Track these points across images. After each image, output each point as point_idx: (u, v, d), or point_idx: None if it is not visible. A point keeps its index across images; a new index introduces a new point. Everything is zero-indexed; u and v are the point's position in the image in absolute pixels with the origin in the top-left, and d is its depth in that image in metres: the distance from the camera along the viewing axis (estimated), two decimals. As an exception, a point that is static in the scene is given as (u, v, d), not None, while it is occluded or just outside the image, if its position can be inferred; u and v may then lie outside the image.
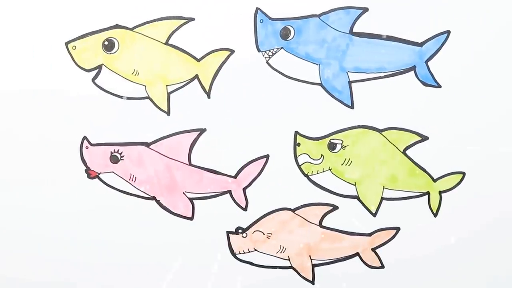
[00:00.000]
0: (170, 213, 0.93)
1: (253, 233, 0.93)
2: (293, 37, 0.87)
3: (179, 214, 0.93)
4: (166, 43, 0.88)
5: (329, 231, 0.93)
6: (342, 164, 0.91)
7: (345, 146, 0.91)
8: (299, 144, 0.91)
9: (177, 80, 0.89)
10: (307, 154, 0.91)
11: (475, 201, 0.93)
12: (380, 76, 0.89)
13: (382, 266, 0.95)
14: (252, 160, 0.92)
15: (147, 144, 0.91)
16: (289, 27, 0.87)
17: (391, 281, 0.94)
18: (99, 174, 0.92)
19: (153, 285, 0.95)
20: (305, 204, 0.93)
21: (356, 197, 0.93)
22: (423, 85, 0.89)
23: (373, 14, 0.87)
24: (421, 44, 0.88)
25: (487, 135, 0.91)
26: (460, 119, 0.90)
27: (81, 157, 0.91)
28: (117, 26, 0.88)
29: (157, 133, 0.91)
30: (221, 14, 0.87)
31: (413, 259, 0.94)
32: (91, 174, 0.91)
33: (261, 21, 0.87)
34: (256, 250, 0.94)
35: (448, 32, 0.88)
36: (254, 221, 0.93)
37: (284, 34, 0.87)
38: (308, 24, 0.87)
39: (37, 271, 0.95)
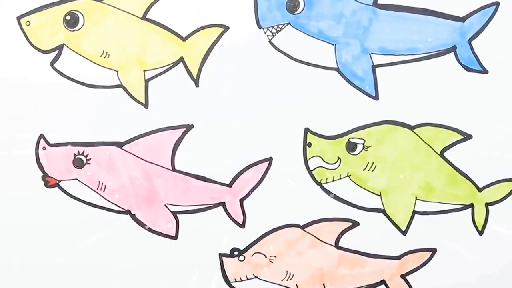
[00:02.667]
0: (149, 231, 0.90)
1: (252, 255, 0.90)
2: (302, 10, 0.85)
3: (159, 232, 0.90)
4: (144, 18, 0.86)
5: (347, 253, 0.91)
6: (364, 169, 0.89)
7: (368, 147, 0.88)
8: (310, 144, 0.88)
9: (157, 64, 0.87)
10: (320, 157, 0.88)
11: None
12: (411, 59, 0.86)
13: None
14: (251, 164, 0.88)
15: (119, 144, 0.88)
16: None
17: (423, 314, 0.96)
18: (60, 181, 0.88)
19: (128, 319, 0.95)
20: (317, 220, 0.90)
21: (382, 211, 0.90)
22: (466, 70, 0.86)
23: (403, -19, 0.87)
24: (463, 19, 0.85)
25: (544, 132, 0.90)
26: (511, 112, 0.88)
27: (36, 160, 0.88)
28: None
29: (132, 130, 0.88)
30: (213, -18, 0.87)
31: None
32: (49, 181, 0.88)
33: None
34: (256, 277, 0.91)
35: (497, 3, 0.85)
36: (254, 241, 0.90)
37: (292, 6, 0.85)
38: None
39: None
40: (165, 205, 0.89)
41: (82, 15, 0.85)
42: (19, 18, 0.84)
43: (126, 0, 0.85)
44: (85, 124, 0.87)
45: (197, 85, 0.86)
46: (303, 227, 0.90)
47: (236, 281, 0.91)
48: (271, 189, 0.88)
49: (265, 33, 0.85)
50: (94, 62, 0.86)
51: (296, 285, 0.91)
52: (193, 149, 0.88)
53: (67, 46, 0.85)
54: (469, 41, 0.85)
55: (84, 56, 0.86)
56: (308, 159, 0.88)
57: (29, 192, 0.88)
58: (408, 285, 0.91)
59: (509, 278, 0.92)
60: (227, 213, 0.89)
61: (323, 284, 0.91)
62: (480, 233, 0.90)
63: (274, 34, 0.85)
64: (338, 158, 0.88)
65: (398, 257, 0.90)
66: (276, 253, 0.90)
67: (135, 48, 0.86)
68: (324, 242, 0.90)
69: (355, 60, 0.86)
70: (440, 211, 0.89)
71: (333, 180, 0.88)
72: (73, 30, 0.85)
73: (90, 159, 0.88)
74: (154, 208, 0.89)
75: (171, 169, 0.88)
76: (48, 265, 0.91)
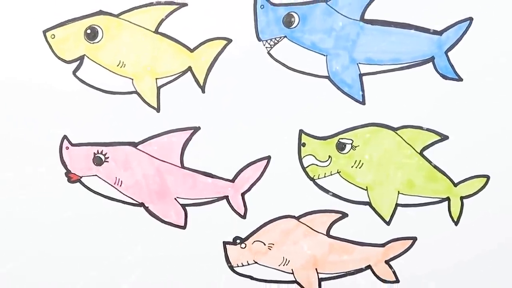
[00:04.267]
0: (160, 221, 0.91)
1: (252, 243, 0.91)
2: (297, 24, 0.86)
3: (170, 223, 0.91)
4: (156, 32, 0.87)
5: (337, 241, 0.92)
6: (352, 167, 0.89)
7: (356, 147, 0.89)
8: (304, 144, 0.89)
9: (167, 73, 0.88)
10: (313, 156, 0.89)
11: (501, 208, 0.91)
12: (394, 68, 0.87)
13: (397, 281, 0.93)
14: (252, 162, 0.90)
15: (134, 144, 0.89)
16: (293, 13, 0.85)
17: (406, 296, 0.94)
18: (81, 177, 0.89)
19: (141, 301, 0.94)
20: (311, 211, 0.91)
21: (368, 204, 0.91)
22: (443, 78, 0.87)
23: (387, -2, 0.86)
24: (440, 33, 0.86)
25: (513, 134, 0.89)
26: (484, 116, 0.88)
27: (60, 158, 0.89)
28: (101, 13, 0.86)
29: (146, 132, 0.89)
30: (217, -1, 0.87)
31: (431, 273, 0.92)
32: (72, 177, 0.89)
33: (262, 6, 0.85)
34: (256, 262, 0.92)
35: (471, 19, 0.86)
36: (254, 230, 0.91)
37: (288, 21, 0.86)
38: (315, 10, 0.85)
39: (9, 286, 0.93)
40: (175, 199, 0.90)
41: (101, 29, 0.85)
42: (44, 32, 0.85)
43: (140, 16, 0.86)
44: (103, 126, 0.88)
45: (203, 91, 0.87)
46: (297, 218, 0.90)
47: (238, 266, 0.91)
48: (270, 184, 0.89)
49: (264, 45, 0.86)
50: (111, 71, 0.87)
51: (292, 269, 0.92)
52: (200, 149, 0.88)
53: (88, 57, 0.86)
54: (446, 53, 0.86)
55: (102, 66, 0.86)
56: (302, 157, 0.89)
57: (54, 187, 0.89)
58: (392, 270, 0.92)
59: (482, 264, 0.91)
60: (230, 206, 0.90)
61: (316, 269, 0.92)
62: (456, 223, 0.90)
63: (272, 46, 0.86)
64: (329, 156, 0.89)
65: (383, 245, 0.91)
66: (273, 241, 0.91)
67: (148, 58, 0.86)
68: (317, 231, 0.91)
69: (344, 69, 0.86)
70: (420, 204, 0.90)
71: (325, 176, 0.89)
72: (93, 43, 0.86)
73: (108, 157, 0.88)
74: (165, 201, 0.90)
75: (180, 166, 0.89)
76: (68, 252, 0.91)
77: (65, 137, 0.89)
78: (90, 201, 0.90)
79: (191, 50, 0.87)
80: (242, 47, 0.86)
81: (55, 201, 0.90)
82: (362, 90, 0.87)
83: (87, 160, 0.89)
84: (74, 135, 0.89)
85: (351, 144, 0.89)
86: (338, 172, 0.90)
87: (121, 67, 0.87)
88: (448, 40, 0.86)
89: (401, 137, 0.89)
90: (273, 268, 0.92)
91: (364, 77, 0.87)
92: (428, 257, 0.92)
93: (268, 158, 0.89)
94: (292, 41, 0.86)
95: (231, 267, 0.92)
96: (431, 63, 0.87)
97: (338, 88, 0.87)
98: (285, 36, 0.86)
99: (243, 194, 0.90)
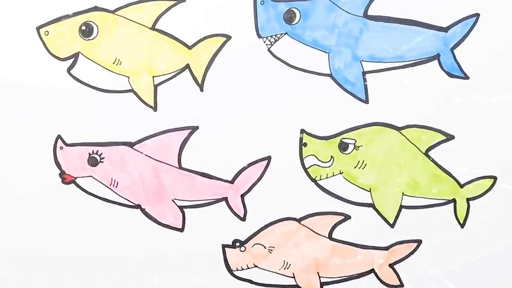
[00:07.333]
0: (157, 224, 0.92)
1: (252, 246, 0.92)
2: (298, 21, 0.86)
3: (167, 225, 0.92)
4: (153, 28, 0.87)
5: (340, 244, 0.92)
6: (355, 167, 0.90)
7: (359, 147, 0.89)
8: (305, 144, 0.89)
9: (165, 71, 0.88)
10: (315, 156, 0.89)
11: (508, 210, 0.91)
12: (398, 66, 0.87)
13: (401, 285, 0.93)
14: (252, 162, 0.90)
15: (130, 144, 0.90)
16: (294, 9, 0.86)
17: (410, 301, 0.96)
18: (76, 178, 0.90)
19: (137, 305, 0.95)
20: (312, 213, 0.91)
21: (371, 205, 0.91)
22: (448, 76, 0.87)
23: (391, -6, 0.87)
24: (446, 29, 0.86)
25: (521, 133, 0.90)
26: (491, 115, 0.88)
27: (54, 159, 0.90)
28: (96, 9, 0.87)
29: (142, 131, 0.90)
30: (216, -5, 0.87)
31: (436, 277, 0.93)
32: (66, 178, 0.90)
33: (262, 2, 0.86)
34: (256, 266, 0.93)
35: (477, 15, 0.86)
36: (254, 233, 0.92)
37: (288, 17, 0.86)
38: (316, 5, 0.86)
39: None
40: (173, 200, 0.90)
41: (96, 25, 0.86)
42: (38, 28, 0.86)
43: (137, 11, 0.86)
44: (99, 126, 0.88)
45: (201, 89, 0.88)
46: (299, 220, 0.91)
47: (237, 270, 0.92)
48: (270, 185, 0.90)
49: (264, 42, 0.86)
50: (107, 69, 0.87)
51: (293, 273, 0.92)
52: (198, 149, 0.89)
53: (83, 54, 0.87)
54: (452, 50, 0.86)
55: (98, 63, 0.87)
56: (303, 158, 0.89)
57: (48, 189, 0.90)
58: (396, 274, 0.92)
59: (489, 268, 0.92)
60: (229, 208, 0.91)
61: (318, 273, 0.92)
62: (462, 226, 0.90)
63: (272, 43, 0.86)
64: (331, 157, 0.89)
65: (386, 248, 0.91)
66: (274, 244, 0.91)
67: (145, 56, 0.87)
68: (319, 234, 0.91)
69: (347, 67, 0.87)
70: (425, 205, 0.90)
71: (327, 177, 0.89)
72: (88, 39, 0.86)
73: (104, 158, 0.89)
74: (162, 203, 0.90)
75: (178, 167, 0.89)
76: (62, 254, 0.92)
77: (59, 136, 0.89)
78: (85, 203, 0.91)
79: (189, 47, 0.87)
80: (242, 44, 0.87)
81: (48, 203, 0.91)
82: (365, 88, 0.88)
83: (81, 160, 0.89)
84: (69, 134, 0.89)
85: (354, 144, 0.89)
86: (340, 173, 0.90)
87: (117, 64, 0.87)
88: (454, 37, 0.86)
89: (405, 137, 0.89)
90: (273, 272, 0.93)
91: (367, 75, 0.88)
92: (433, 260, 0.92)
93: (269, 158, 0.90)
94: (293, 38, 0.87)
95: (230, 271, 0.93)
96: (436, 60, 0.87)
97: (341, 86, 0.88)
98: (286, 33, 0.87)
99: (242, 196, 0.91)
